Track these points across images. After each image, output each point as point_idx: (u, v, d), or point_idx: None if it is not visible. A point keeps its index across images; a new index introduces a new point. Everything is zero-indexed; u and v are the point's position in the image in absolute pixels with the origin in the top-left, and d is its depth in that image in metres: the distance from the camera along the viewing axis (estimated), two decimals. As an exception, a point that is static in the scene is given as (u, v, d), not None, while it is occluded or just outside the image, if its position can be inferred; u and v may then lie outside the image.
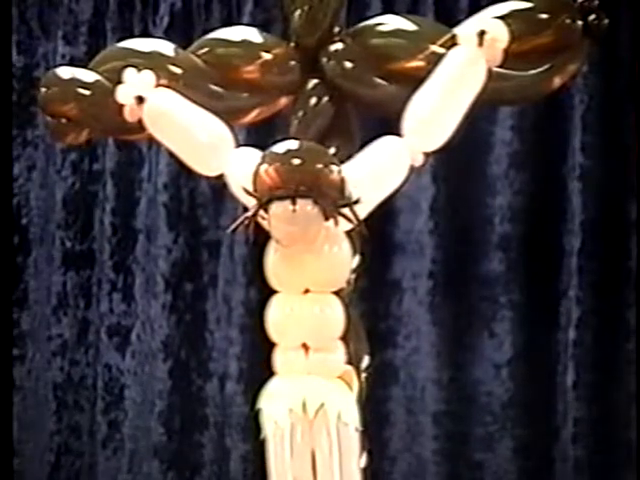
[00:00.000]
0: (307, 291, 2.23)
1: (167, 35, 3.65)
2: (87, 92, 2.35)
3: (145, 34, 3.68)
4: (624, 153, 3.45)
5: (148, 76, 2.32)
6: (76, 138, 2.42)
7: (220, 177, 2.31)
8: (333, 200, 2.15)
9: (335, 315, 2.23)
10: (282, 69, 2.40)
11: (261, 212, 2.16)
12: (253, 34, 2.43)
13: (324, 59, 2.37)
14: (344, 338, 2.25)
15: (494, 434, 3.53)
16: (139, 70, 2.32)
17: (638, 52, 3.39)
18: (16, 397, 3.88)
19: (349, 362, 2.27)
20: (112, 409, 3.80)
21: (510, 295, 3.54)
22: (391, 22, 2.40)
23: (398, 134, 2.26)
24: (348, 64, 2.36)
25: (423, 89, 2.26)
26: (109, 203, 3.82)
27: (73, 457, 3.87)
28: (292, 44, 2.41)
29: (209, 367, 3.73)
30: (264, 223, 2.18)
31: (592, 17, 2.27)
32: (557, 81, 2.32)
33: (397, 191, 2.28)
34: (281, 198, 2.14)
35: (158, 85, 2.33)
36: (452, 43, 2.28)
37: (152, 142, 2.49)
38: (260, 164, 2.18)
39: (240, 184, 2.21)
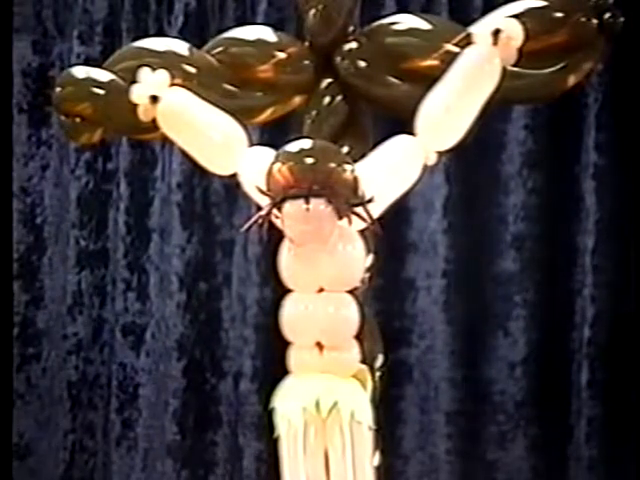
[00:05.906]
0: (321, 290, 2.23)
1: (181, 34, 3.66)
2: (102, 91, 2.35)
3: (160, 34, 3.68)
4: (638, 152, 3.45)
5: (162, 75, 2.32)
6: (90, 138, 2.42)
7: (233, 176, 2.31)
8: (346, 199, 2.15)
9: (350, 314, 2.23)
10: (296, 68, 2.39)
11: (274, 211, 2.16)
12: (267, 33, 2.43)
13: (338, 58, 2.37)
14: (358, 337, 2.25)
15: (508, 433, 3.52)
16: (154, 69, 2.33)
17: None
18: (31, 395, 3.89)
19: (363, 361, 2.26)
20: (126, 408, 3.81)
21: (524, 294, 3.53)
22: (405, 21, 2.39)
23: (412, 133, 2.26)
24: (362, 63, 2.36)
25: (437, 88, 2.25)
26: (123, 202, 3.83)
27: (87, 455, 3.88)
28: (306, 43, 2.40)
29: (223, 366, 3.74)
30: (278, 222, 2.18)
31: (607, 15, 2.26)
32: (572, 80, 2.31)
33: (410, 190, 2.28)
34: (294, 197, 2.13)
35: (172, 84, 2.33)
36: (467, 42, 2.27)
37: (165, 141, 2.49)
38: (273, 163, 2.17)
39: (253, 183, 2.21)
